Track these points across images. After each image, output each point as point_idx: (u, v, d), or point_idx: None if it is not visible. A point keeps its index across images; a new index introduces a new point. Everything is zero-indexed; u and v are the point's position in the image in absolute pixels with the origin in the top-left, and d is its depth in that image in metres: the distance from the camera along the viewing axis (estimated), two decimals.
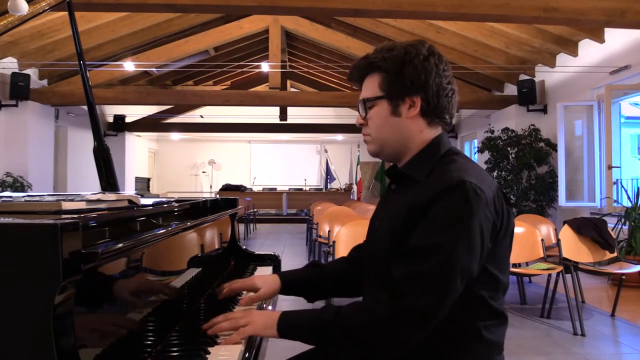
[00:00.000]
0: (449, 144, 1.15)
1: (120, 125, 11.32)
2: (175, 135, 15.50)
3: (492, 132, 7.63)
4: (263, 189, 14.52)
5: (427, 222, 1.00)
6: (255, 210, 11.39)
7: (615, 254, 3.84)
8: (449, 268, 0.97)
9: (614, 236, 4.06)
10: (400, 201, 1.10)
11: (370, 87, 1.15)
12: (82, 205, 1.02)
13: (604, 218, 4.16)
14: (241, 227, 8.97)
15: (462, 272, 0.98)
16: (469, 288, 1.01)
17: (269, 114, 11.75)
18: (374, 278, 1.15)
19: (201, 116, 13.21)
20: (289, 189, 14.41)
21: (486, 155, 7.51)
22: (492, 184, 1.06)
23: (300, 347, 1.16)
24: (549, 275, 3.70)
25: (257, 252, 1.97)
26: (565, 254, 3.61)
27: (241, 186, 13.72)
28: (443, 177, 1.03)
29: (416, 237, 1.01)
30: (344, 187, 14.50)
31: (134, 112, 11.44)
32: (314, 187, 15.50)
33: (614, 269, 3.74)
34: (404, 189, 1.14)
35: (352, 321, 1.01)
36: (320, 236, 4.87)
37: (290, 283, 1.32)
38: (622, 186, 5.91)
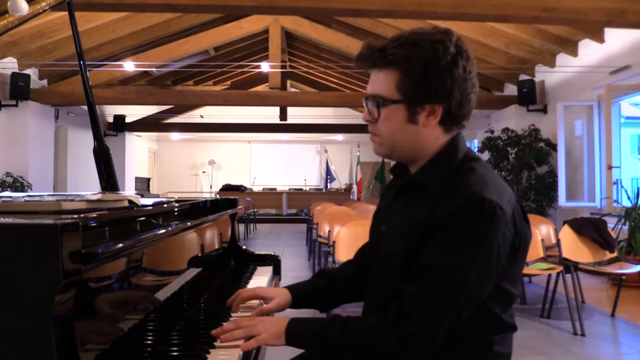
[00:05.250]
0: (465, 146, 1.08)
1: (120, 125, 11.32)
2: (175, 135, 15.51)
3: (492, 132, 7.63)
4: (263, 189, 14.51)
5: (443, 240, 0.95)
6: (255, 210, 11.38)
7: (615, 254, 3.84)
8: (458, 293, 0.94)
9: (614, 236, 4.06)
10: (413, 211, 1.04)
11: (385, 84, 1.03)
12: (82, 205, 1.02)
13: (604, 218, 4.16)
14: (241, 227, 8.97)
15: (471, 298, 0.95)
16: (482, 306, 0.99)
17: (269, 114, 11.76)
18: (378, 283, 1.12)
19: (201, 116, 13.22)
20: (289, 189, 14.40)
21: (486, 155, 7.50)
22: (511, 197, 1.01)
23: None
24: (549, 275, 3.71)
25: (257, 252, 1.96)
26: (565, 254, 3.61)
27: (241, 186, 13.72)
28: (462, 191, 0.97)
29: (430, 256, 0.96)
30: (344, 187, 14.49)
31: (134, 112, 11.44)
32: (314, 187, 15.49)
33: (614, 269, 3.74)
34: (416, 194, 1.07)
35: (359, 344, 0.98)
36: (320, 236, 4.86)
37: (300, 296, 1.26)
38: (622, 186, 5.91)
